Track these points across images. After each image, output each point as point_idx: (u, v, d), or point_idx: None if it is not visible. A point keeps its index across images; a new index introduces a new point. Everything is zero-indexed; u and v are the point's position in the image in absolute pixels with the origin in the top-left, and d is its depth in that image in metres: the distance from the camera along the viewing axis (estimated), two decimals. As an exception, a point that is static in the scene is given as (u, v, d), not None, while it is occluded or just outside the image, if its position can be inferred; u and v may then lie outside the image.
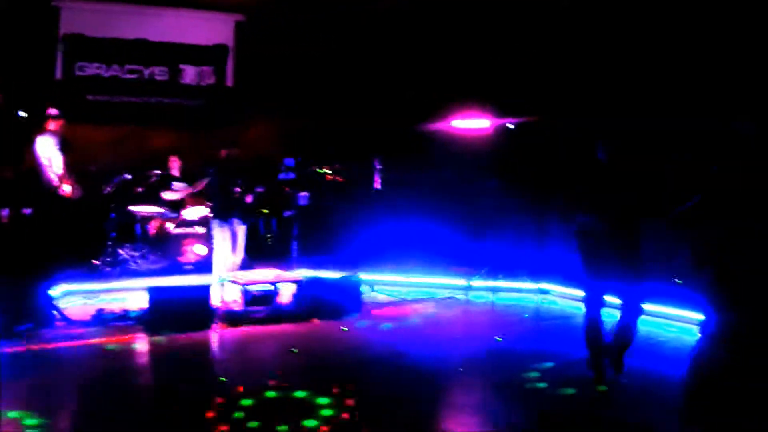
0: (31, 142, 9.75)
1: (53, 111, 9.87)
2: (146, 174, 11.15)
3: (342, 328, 8.08)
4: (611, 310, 6.34)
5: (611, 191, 6.08)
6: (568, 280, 9.59)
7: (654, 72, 9.22)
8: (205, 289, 8.19)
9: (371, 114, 12.40)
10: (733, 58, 8.20)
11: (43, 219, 9.83)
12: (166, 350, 7.15)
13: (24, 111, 10.98)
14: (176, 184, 11.16)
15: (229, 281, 8.70)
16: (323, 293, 8.63)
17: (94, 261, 10.52)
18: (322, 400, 5.49)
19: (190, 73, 13.12)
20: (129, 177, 10.83)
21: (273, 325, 8.13)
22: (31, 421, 4.95)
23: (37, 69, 11.98)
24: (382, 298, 9.76)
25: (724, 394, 3.60)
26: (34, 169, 9.72)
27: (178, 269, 10.58)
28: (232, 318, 8.17)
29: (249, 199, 9.22)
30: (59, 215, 9.80)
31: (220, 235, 9.14)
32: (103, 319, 8.03)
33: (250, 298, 8.31)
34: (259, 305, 8.36)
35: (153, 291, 7.95)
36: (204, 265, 10.16)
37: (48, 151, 9.72)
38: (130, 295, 9.11)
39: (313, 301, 8.52)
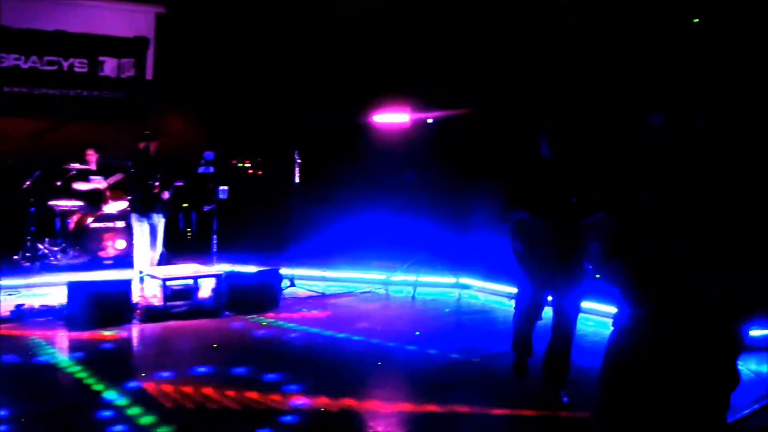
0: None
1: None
2: (64, 167, 11.05)
3: (261, 322, 8.32)
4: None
5: (556, 188, 5.68)
6: (488, 274, 9.90)
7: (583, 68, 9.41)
8: (125, 284, 8.26)
9: (292, 108, 12.59)
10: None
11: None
12: (84, 345, 7.22)
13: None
14: (93, 178, 11.08)
15: (149, 276, 8.78)
16: (243, 288, 8.80)
17: (14, 256, 10.49)
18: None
19: (110, 65, 13.04)
20: (38, 173, 10.70)
21: (193, 320, 8.29)
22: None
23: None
24: (302, 292, 9.90)
25: (638, 387, 3.63)
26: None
27: (98, 264, 10.57)
28: (152, 313, 8.28)
29: (165, 195, 9.21)
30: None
31: (140, 229, 9.18)
32: (22, 315, 8.07)
33: (170, 293, 8.41)
34: (179, 300, 8.48)
35: (72, 286, 8.05)
36: (124, 260, 10.24)
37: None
38: (51, 290, 9.17)
39: (233, 295, 8.69)
